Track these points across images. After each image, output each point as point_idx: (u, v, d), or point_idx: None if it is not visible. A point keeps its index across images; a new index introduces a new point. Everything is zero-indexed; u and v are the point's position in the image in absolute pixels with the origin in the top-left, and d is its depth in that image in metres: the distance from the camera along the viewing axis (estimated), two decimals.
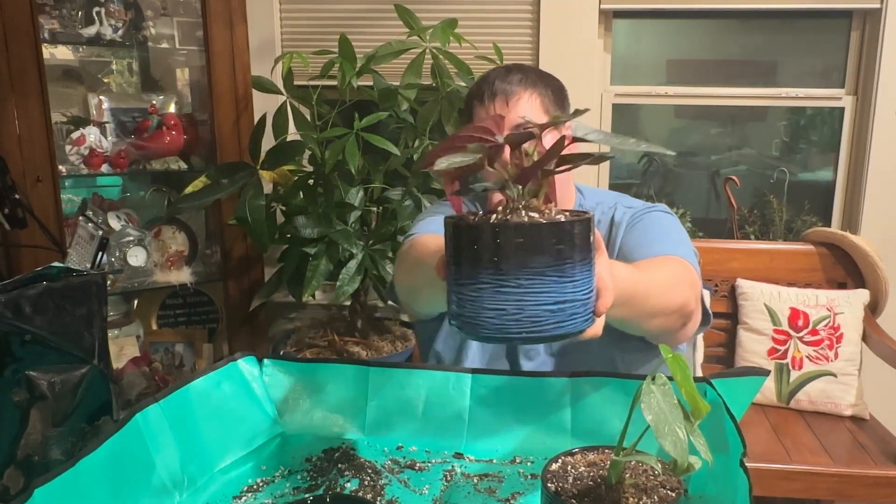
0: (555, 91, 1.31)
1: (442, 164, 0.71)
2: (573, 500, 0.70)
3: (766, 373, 0.97)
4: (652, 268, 1.11)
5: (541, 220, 0.70)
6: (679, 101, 2.53)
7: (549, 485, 0.73)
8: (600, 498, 0.71)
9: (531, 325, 0.69)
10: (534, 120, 1.24)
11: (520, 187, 0.75)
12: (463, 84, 2.11)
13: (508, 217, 0.71)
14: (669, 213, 1.33)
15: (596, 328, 0.79)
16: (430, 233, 1.26)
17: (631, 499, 0.71)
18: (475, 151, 0.73)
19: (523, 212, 0.72)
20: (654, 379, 0.69)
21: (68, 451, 0.91)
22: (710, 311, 1.23)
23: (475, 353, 1.34)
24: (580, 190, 1.41)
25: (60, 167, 2.06)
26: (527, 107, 1.26)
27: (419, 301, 1.27)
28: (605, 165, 2.55)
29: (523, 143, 0.77)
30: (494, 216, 0.72)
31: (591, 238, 0.73)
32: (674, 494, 0.71)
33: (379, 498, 0.94)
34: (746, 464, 0.81)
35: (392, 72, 2.17)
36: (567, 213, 0.75)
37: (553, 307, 0.69)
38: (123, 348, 2.30)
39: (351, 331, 2.28)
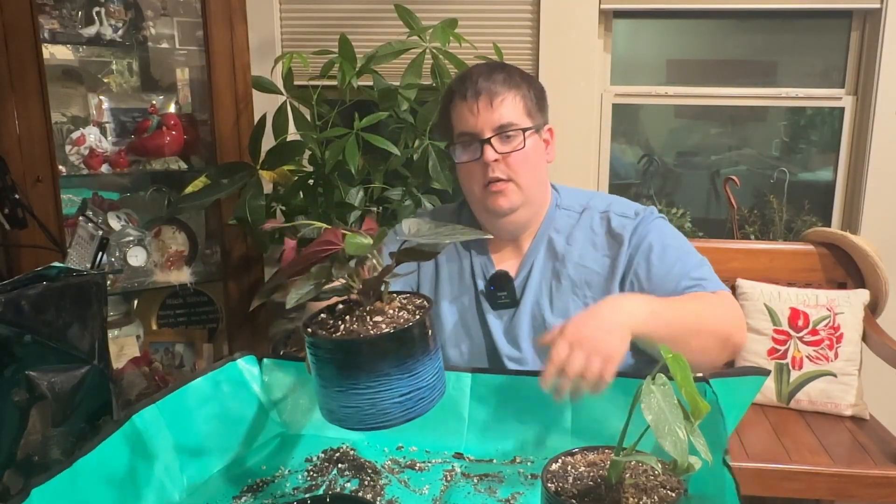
0: (536, 93, 1.31)
1: (292, 300, 0.79)
2: (573, 500, 0.71)
3: (766, 373, 0.97)
4: (686, 302, 1.17)
5: (384, 328, 0.79)
6: (679, 101, 2.53)
7: (549, 485, 0.73)
8: (600, 498, 0.71)
9: (384, 416, 0.79)
10: (517, 122, 1.24)
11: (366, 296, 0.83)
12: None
13: (354, 328, 0.80)
14: (662, 218, 1.33)
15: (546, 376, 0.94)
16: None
17: (631, 499, 0.71)
18: (318, 275, 0.81)
19: (368, 317, 0.81)
20: (654, 379, 0.69)
21: (68, 451, 0.91)
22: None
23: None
24: (556, 189, 1.39)
25: (60, 167, 2.06)
26: (510, 108, 1.26)
27: None
28: (605, 165, 2.55)
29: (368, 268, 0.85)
30: (343, 326, 0.80)
31: (430, 330, 0.82)
32: (674, 494, 0.71)
33: (379, 498, 0.94)
34: (746, 464, 0.81)
35: (392, 72, 2.17)
36: (408, 307, 0.84)
37: (401, 399, 0.79)
38: (123, 348, 2.30)
39: None
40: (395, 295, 0.87)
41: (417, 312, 0.83)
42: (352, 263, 0.82)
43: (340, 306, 0.85)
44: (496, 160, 1.24)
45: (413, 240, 0.82)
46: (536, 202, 1.32)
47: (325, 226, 0.89)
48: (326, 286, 0.82)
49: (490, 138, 1.24)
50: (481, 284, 1.33)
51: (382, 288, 0.84)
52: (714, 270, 1.28)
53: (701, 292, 1.21)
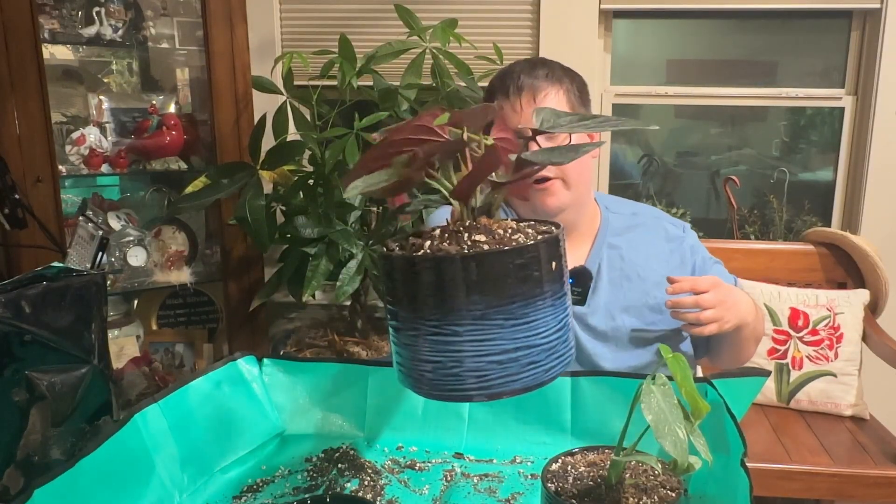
0: (579, 87, 1.31)
1: (353, 190, 0.57)
2: (573, 500, 0.71)
3: (766, 373, 0.97)
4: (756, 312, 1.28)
5: (484, 247, 0.55)
6: (679, 101, 2.53)
7: (549, 485, 0.73)
8: (600, 498, 0.71)
9: (473, 379, 0.55)
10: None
11: (463, 204, 0.59)
12: (463, 84, 2.11)
13: (443, 245, 0.56)
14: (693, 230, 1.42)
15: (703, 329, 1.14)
16: None
17: (631, 499, 0.71)
18: (397, 170, 0.58)
19: (466, 235, 0.57)
20: (654, 379, 0.69)
21: (68, 451, 0.91)
22: None
23: None
24: (596, 197, 1.40)
25: (60, 167, 2.06)
26: (554, 103, 1.25)
27: None
28: (604, 165, 2.55)
29: (454, 151, 0.60)
30: (430, 243, 0.58)
31: (556, 263, 0.57)
32: (674, 494, 0.71)
33: (379, 498, 0.94)
34: (747, 464, 0.81)
35: (392, 72, 2.17)
36: (525, 230, 0.61)
37: (500, 358, 0.55)
38: (123, 348, 2.30)
39: (351, 331, 2.28)
40: (526, 222, 0.64)
41: (538, 237, 0.59)
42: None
43: (437, 231, 0.61)
44: None
45: (553, 130, 0.60)
46: (583, 201, 1.33)
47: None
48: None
49: (536, 135, 1.23)
50: None
51: (495, 203, 0.60)
52: None
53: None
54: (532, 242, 0.56)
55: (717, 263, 1.39)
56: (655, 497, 0.71)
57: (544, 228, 0.63)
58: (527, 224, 0.63)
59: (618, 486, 0.72)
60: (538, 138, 1.20)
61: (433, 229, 0.61)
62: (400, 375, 0.60)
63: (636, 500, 0.70)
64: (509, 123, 1.26)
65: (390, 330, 0.60)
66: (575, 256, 1.35)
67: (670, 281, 1.16)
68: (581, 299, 1.31)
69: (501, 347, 0.54)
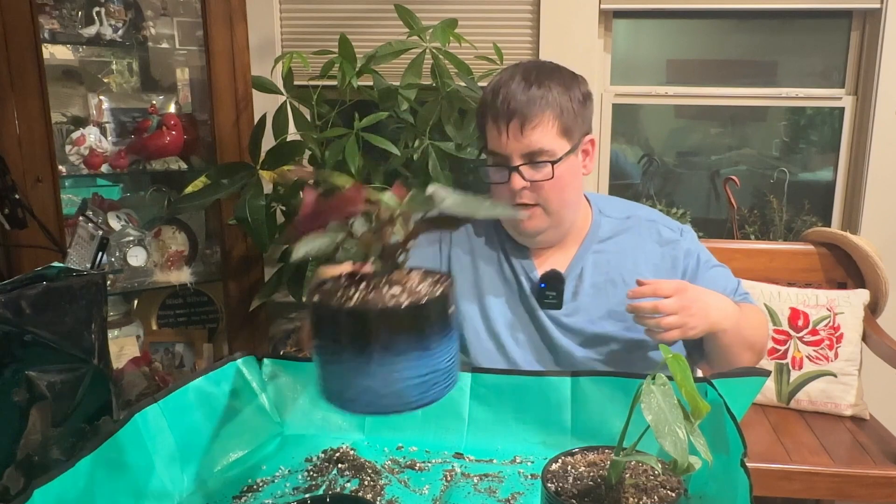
0: (577, 104, 1.23)
1: (300, 251, 0.71)
2: (573, 500, 0.71)
3: (766, 373, 0.97)
4: (746, 314, 1.25)
5: (401, 300, 0.70)
6: (679, 101, 2.53)
7: (549, 485, 0.73)
8: (600, 498, 0.71)
9: (398, 399, 0.70)
10: (548, 149, 1.21)
11: (381, 262, 0.75)
12: (463, 84, 2.11)
13: (370, 297, 0.71)
14: (693, 232, 1.38)
15: (662, 336, 1.10)
16: None
17: (631, 499, 0.71)
18: (335, 232, 0.72)
19: (385, 288, 0.72)
20: (654, 379, 0.69)
21: (68, 451, 0.91)
22: None
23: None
24: (590, 199, 1.37)
25: (60, 167, 2.06)
26: (541, 135, 1.19)
27: None
28: (604, 165, 2.55)
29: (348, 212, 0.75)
30: (357, 295, 0.72)
31: (450, 307, 0.74)
32: (674, 494, 0.71)
33: (379, 498, 0.94)
34: (746, 464, 0.81)
35: (392, 72, 2.17)
36: (428, 279, 0.76)
37: (418, 381, 0.70)
38: (123, 348, 2.30)
39: None
40: (411, 270, 0.78)
41: (439, 287, 0.74)
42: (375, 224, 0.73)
43: (345, 280, 0.76)
44: (524, 187, 1.21)
45: (443, 209, 0.73)
46: (567, 221, 1.30)
47: (350, 179, 0.77)
48: (339, 247, 0.73)
49: (519, 166, 1.20)
50: (526, 284, 1.31)
51: (402, 259, 0.75)
52: None
53: (752, 305, 1.31)
54: (439, 293, 0.72)
55: (716, 267, 1.35)
56: (655, 497, 0.71)
57: (437, 277, 0.78)
58: (418, 272, 0.78)
59: (618, 486, 0.72)
60: (522, 169, 1.20)
61: (354, 282, 0.74)
62: (328, 396, 0.74)
63: (636, 500, 0.70)
64: (496, 145, 1.22)
65: (322, 366, 0.73)
66: (558, 260, 1.33)
67: (638, 284, 1.13)
68: (556, 303, 1.30)
69: (417, 372, 0.70)
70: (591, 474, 0.75)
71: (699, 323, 1.12)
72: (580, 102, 1.24)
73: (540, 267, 1.32)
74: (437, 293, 0.72)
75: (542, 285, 1.30)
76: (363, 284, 0.73)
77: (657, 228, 1.34)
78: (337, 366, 0.71)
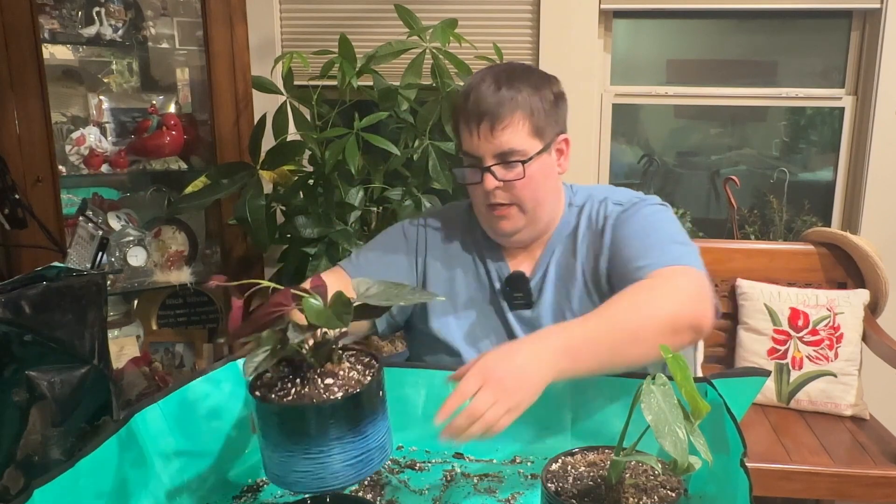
0: (549, 104, 1.23)
1: (250, 370, 0.77)
2: (573, 500, 0.71)
3: (766, 373, 0.97)
4: (608, 309, 1.03)
5: (336, 391, 0.78)
6: (679, 101, 2.53)
7: (549, 485, 0.73)
8: (600, 498, 0.71)
9: (334, 479, 0.77)
10: (520, 149, 1.20)
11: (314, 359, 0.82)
12: (463, 84, 2.10)
13: (305, 391, 0.78)
14: (661, 205, 1.28)
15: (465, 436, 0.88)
16: (354, 274, 1.27)
17: (631, 499, 0.71)
18: (270, 341, 0.79)
19: (319, 380, 0.80)
20: (654, 379, 0.69)
21: (68, 451, 0.91)
22: (718, 306, 1.13)
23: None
24: (569, 188, 1.36)
25: (60, 167, 2.06)
26: (512, 135, 1.19)
27: None
28: (605, 165, 2.55)
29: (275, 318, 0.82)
30: (294, 390, 0.79)
31: (382, 390, 0.82)
32: (674, 494, 0.71)
33: (379, 498, 0.94)
34: (746, 464, 0.81)
35: (392, 72, 2.17)
36: (357, 366, 0.84)
37: (352, 462, 0.78)
38: (123, 348, 2.30)
39: None
40: (342, 353, 0.85)
41: (368, 372, 0.82)
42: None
43: (285, 368, 0.83)
44: (497, 187, 1.22)
45: (366, 299, 0.81)
46: (543, 220, 1.29)
47: (273, 285, 0.85)
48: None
49: (491, 166, 1.21)
50: (497, 285, 1.31)
51: (334, 354, 0.83)
52: (714, 270, 1.23)
53: (641, 283, 1.08)
54: (369, 381, 0.80)
55: (644, 233, 1.20)
56: (655, 497, 0.71)
57: (366, 360, 0.85)
58: (350, 355, 0.86)
59: (618, 486, 0.72)
60: (494, 169, 1.20)
61: (290, 372, 0.81)
62: (272, 478, 0.81)
63: (636, 500, 0.70)
64: (469, 146, 1.23)
65: (266, 451, 0.81)
66: (528, 260, 1.32)
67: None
68: (525, 303, 1.29)
69: (352, 455, 0.78)
70: (591, 474, 0.75)
71: (522, 391, 0.90)
72: (552, 103, 1.24)
73: (513, 267, 1.32)
74: (368, 381, 0.79)
75: (507, 288, 1.30)
76: (299, 377, 0.80)
77: (605, 205, 1.29)
78: (278, 453, 0.78)
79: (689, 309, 1.04)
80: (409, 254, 1.35)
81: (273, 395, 0.79)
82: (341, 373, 0.82)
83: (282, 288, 0.80)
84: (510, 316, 1.30)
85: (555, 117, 1.25)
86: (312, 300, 0.78)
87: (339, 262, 1.35)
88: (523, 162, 1.21)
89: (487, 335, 1.31)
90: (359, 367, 0.84)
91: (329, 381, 0.80)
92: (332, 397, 0.77)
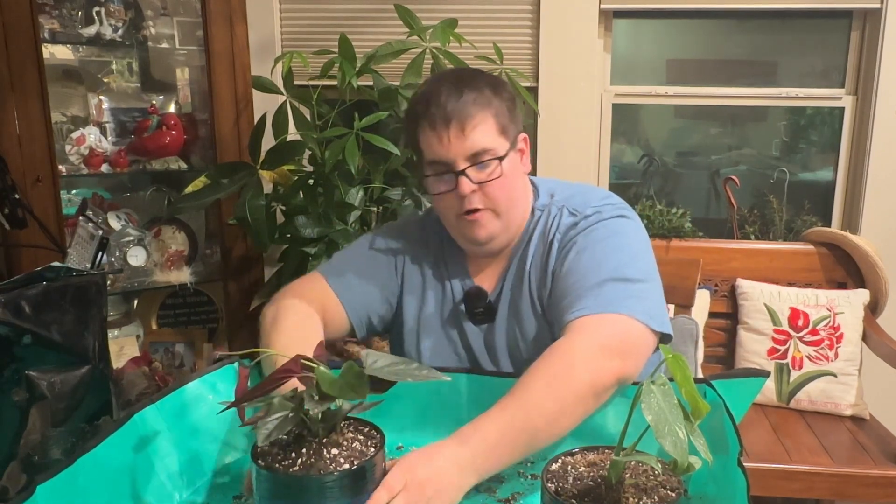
0: (508, 103, 1.21)
1: (262, 438, 0.77)
2: (573, 501, 0.71)
3: (766, 374, 0.97)
4: (530, 390, 0.97)
5: (342, 462, 0.80)
6: (679, 101, 2.53)
7: (549, 485, 0.73)
8: (600, 498, 0.71)
9: None
10: (492, 147, 1.17)
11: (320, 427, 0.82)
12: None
13: (311, 462, 0.79)
14: (621, 217, 1.20)
15: None
16: (329, 279, 1.25)
17: (631, 499, 0.71)
18: (282, 408, 0.80)
19: (324, 450, 0.81)
20: (654, 379, 0.69)
21: (68, 450, 0.91)
22: (669, 330, 1.10)
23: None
24: (536, 185, 1.30)
25: (60, 167, 2.06)
26: (483, 133, 1.15)
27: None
28: (605, 165, 2.55)
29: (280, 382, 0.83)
30: (300, 460, 0.80)
31: (385, 462, 0.84)
32: (674, 494, 0.71)
33: None
34: (745, 464, 0.81)
35: (392, 72, 2.17)
36: (358, 437, 0.85)
37: None
38: (123, 348, 2.30)
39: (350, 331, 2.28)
40: (344, 422, 0.86)
41: (370, 443, 0.83)
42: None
43: (285, 434, 0.82)
44: (473, 191, 1.17)
45: (373, 372, 0.80)
46: (515, 223, 1.24)
47: (279, 353, 0.86)
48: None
49: (465, 169, 1.16)
50: (458, 299, 1.28)
51: (342, 423, 0.84)
52: (714, 270, 1.18)
53: (557, 349, 1.02)
54: (372, 454, 0.81)
55: (597, 227, 1.17)
56: (655, 497, 0.71)
57: (366, 430, 0.87)
58: (353, 427, 0.87)
59: (618, 486, 0.72)
60: (468, 172, 1.17)
61: (294, 440, 0.82)
62: None
63: (636, 500, 0.70)
64: (437, 154, 1.17)
65: None
66: (488, 275, 1.28)
67: None
68: (485, 317, 1.25)
69: None
70: (591, 474, 0.75)
71: (445, 497, 0.87)
72: (510, 101, 1.22)
73: (477, 281, 1.28)
74: (371, 453, 0.81)
75: (466, 303, 1.27)
76: (304, 446, 0.81)
77: (560, 216, 1.23)
78: None
79: (609, 368, 1.00)
80: (389, 266, 1.31)
81: (278, 465, 0.79)
82: (345, 443, 0.83)
83: (289, 356, 0.81)
84: (470, 334, 1.27)
85: (514, 116, 1.22)
86: (325, 370, 0.78)
87: (319, 269, 1.29)
88: (500, 158, 1.17)
89: (450, 354, 1.28)
90: (360, 437, 0.84)
91: (335, 451, 0.81)
92: (338, 469, 0.78)
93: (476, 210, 1.18)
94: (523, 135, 1.26)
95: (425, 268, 1.31)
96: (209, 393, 1.02)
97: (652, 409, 0.66)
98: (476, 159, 1.16)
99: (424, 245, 1.33)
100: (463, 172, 1.16)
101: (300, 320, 1.18)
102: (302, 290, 1.25)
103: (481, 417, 0.95)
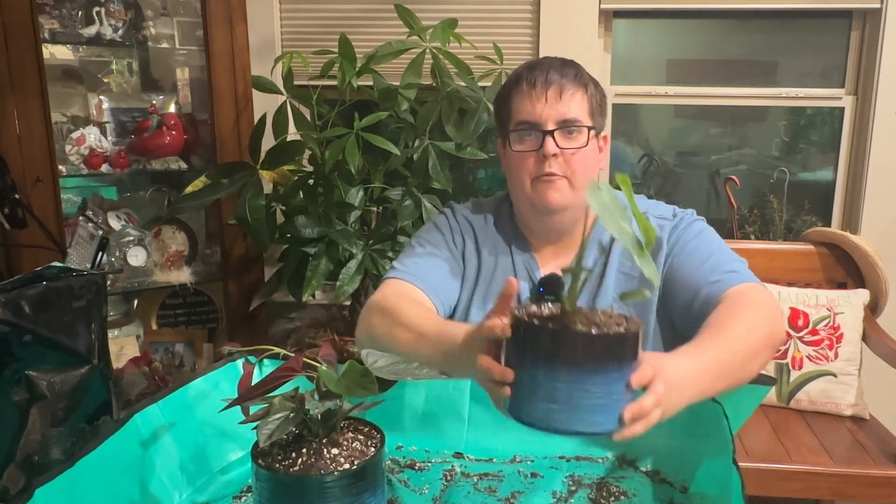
0: (600, 97, 1.29)
1: (263, 438, 0.77)
2: (534, 320, 0.71)
3: (772, 382, 0.97)
4: (722, 331, 1.02)
5: (342, 462, 0.79)
6: (679, 101, 2.53)
7: (515, 312, 0.73)
8: (554, 318, 0.72)
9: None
10: (582, 120, 1.22)
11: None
12: (463, 84, 2.11)
13: (312, 462, 0.79)
14: (701, 220, 1.30)
15: (629, 431, 0.74)
16: (411, 278, 1.24)
17: (580, 324, 0.70)
18: (283, 408, 0.80)
19: (325, 450, 0.81)
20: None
21: (68, 451, 0.91)
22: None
23: None
24: None
25: (60, 167, 2.06)
26: (578, 105, 1.23)
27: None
28: (606, 166, 2.54)
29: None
30: (301, 460, 0.80)
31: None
32: (623, 330, 0.70)
33: None
34: (745, 464, 0.81)
35: (392, 72, 2.17)
36: (359, 437, 0.84)
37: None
38: (123, 348, 2.30)
39: (351, 331, 2.28)
40: (344, 422, 0.87)
41: (370, 443, 0.83)
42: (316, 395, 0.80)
43: (290, 438, 0.83)
44: (555, 154, 1.22)
45: (374, 371, 0.81)
46: (584, 206, 1.29)
47: (282, 351, 0.86)
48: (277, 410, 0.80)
49: (553, 131, 1.22)
50: (524, 285, 1.30)
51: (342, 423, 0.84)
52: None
53: (741, 299, 1.10)
54: (372, 455, 0.80)
55: (704, 239, 1.25)
56: (606, 330, 0.69)
57: (366, 430, 0.86)
58: (353, 427, 0.86)
59: (574, 312, 0.72)
60: (556, 135, 1.20)
61: (293, 440, 0.83)
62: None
63: (586, 326, 0.69)
64: (529, 114, 1.23)
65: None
66: (553, 262, 1.31)
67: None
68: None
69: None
70: (552, 311, 0.75)
71: (673, 412, 0.86)
72: (602, 97, 1.30)
73: (543, 267, 1.31)
74: (371, 453, 0.81)
75: (541, 289, 1.29)
76: (304, 446, 0.81)
77: (647, 218, 1.30)
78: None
79: (781, 326, 1.10)
80: (456, 255, 1.34)
81: (278, 465, 0.79)
82: (345, 443, 0.83)
83: (293, 354, 0.81)
84: None
85: (603, 110, 1.30)
86: (327, 369, 0.79)
87: (390, 275, 1.28)
88: (589, 128, 1.23)
89: None
90: (360, 437, 0.85)
91: (335, 451, 0.81)
92: (338, 469, 0.78)
93: (553, 175, 1.23)
94: (605, 133, 1.33)
95: (496, 245, 1.33)
96: (212, 391, 1.02)
97: (598, 201, 0.67)
98: (566, 125, 1.23)
99: (500, 222, 1.36)
100: (551, 133, 1.22)
101: (408, 302, 1.17)
102: (384, 295, 1.21)
103: (695, 344, 0.96)
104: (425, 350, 0.99)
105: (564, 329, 0.69)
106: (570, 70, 1.25)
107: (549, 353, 0.69)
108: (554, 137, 1.22)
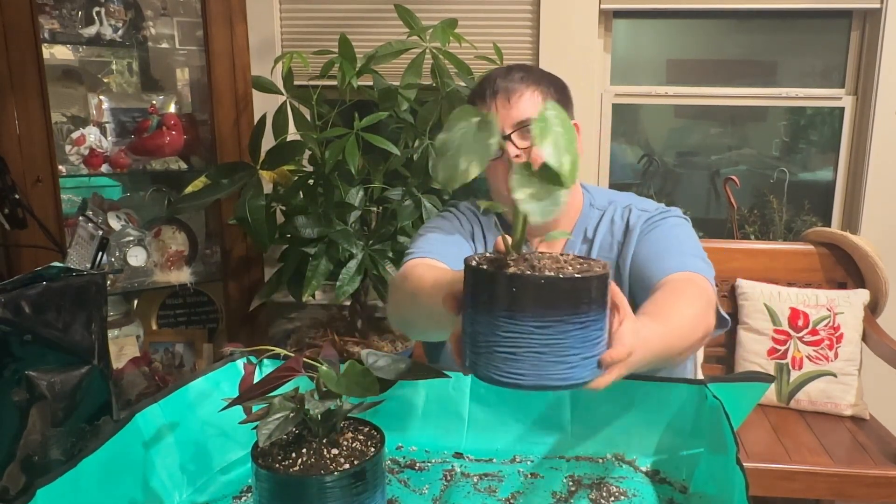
0: (557, 89, 1.30)
1: (263, 438, 0.76)
2: (483, 265, 0.70)
3: (770, 379, 0.96)
4: (672, 308, 1.03)
5: (342, 462, 0.78)
6: (679, 101, 2.53)
7: (470, 263, 0.72)
8: (500, 261, 0.71)
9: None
10: (534, 116, 1.22)
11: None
12: (463, 84, 2.11)
13: (312, 462, 0.79)
14: (683, 218, 1.32)
15: (600, 381, 0.75)
16: (428, 255, 1.26)
17: (534, 267, 0.69)
18: (283, 408, 0.79)
19: (325, 450, 0.80)
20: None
21: (68, 451, 0.91)
22: (726, 315, 1.17)
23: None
24: (587, 189, 1.40)
25: (60, 167, 2.06)
26: (528, 104, 1.25)
27: (413, 331, 1.29)
28: (605, 165, 2.55)
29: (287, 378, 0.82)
30: (300, 460, 0.79)
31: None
32: (577, 274, 0.68)
33: None
34: (745, 464, 0.81)
35: (392, 72, 2.17)
36: (359, 437, 0.84)
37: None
38: (123, 348, 2.30)
39: (351, 331, 2.28)
40: (344, 422, 0.87)
41: (369, 443, 0.83)
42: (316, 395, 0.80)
43: (290, 438, 0.83)
44: (517, 156, 1.24)
45: (374, 370, 0.81)
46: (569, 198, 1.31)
47: (283, 352, 0.86)
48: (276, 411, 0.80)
49: (510, 134, 1.24)
50: None
51: (342, 423, 0.84)
52: (715, 271, 1.24)
53: (681, 288, 1.10)
54: (374, 452, 0.80)
55: (675, 238, 1.25)
56: (560, 273, 0.68)
57: (366, 430, 0.85)
58: (354, 428, 0.86)
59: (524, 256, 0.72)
60: (513, 137, 1.22)
61: (293, 440, 0.82)
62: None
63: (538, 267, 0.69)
64: None
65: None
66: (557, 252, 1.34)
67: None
68: None
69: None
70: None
71: (644, 361, 0.88)
72: (559, 89, 1.31)
73: None
74: (371, 453, 0.80)
75: None
76: (304, 446, 0.81)
77: (630, 210, 1.34)
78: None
79: (712, 319, 1.09)
80: (465, 235, 1.38)
81: (278, 465, 0.79)
82: (345, 443, 0.83)
83: (293, 354, 0.81)
84: None
85: (563, 103, 1.30)
86: (327, 369, 0.79)
87: (406, 259, 1.30)
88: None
89: None
90: (360, 437, 0.85)
91: (335, 451, 0.81)
92: (338, 469, 0.78)
93: None
94: (576, 122, 1.30)
95: (483, 244, 1.38)
96: (213, 391, 1.02)
97: (542, 115, 0.67)
98: (521, 126, 1.24)
99: (490, 225, 1.40)
100: (508, 137, 1.24)
101: (425, 267, 1.18)
102: (403, 271, 1.24)
103: (643, 316, 0.94)
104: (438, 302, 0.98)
105: (511, 274, 0.67)
106: (516, 74, 1.27)
107: (495, 298, 0.67)
108: (512, 140, 1.24)
